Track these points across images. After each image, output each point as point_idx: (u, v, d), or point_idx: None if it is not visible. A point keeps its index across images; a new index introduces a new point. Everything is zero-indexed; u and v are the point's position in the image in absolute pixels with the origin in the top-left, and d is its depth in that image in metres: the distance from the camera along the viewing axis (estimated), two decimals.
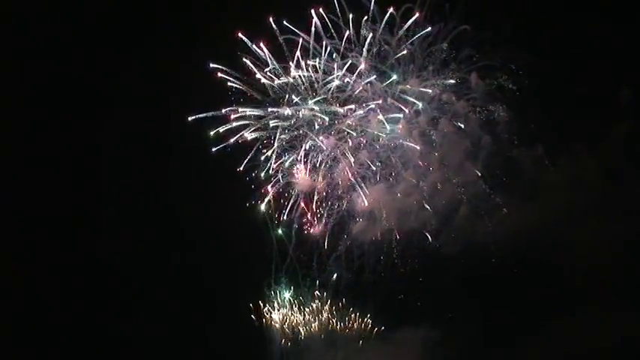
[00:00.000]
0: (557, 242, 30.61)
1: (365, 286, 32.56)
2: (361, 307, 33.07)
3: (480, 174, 31.28)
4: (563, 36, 30.12)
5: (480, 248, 31.61)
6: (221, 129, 31.26)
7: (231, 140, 31.33)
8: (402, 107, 30.66)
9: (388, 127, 30.75)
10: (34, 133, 33.31)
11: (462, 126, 31.06)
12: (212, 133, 31.24)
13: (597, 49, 30.23)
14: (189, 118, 31.14)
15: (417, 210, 31.62)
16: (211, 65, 30.80)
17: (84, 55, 33.34)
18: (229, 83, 30.95)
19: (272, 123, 31.32)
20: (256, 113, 31.23)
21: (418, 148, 30.78)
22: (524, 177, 31.39)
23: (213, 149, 31.44)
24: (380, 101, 30.55)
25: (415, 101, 30.65)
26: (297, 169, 31.47)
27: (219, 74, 30.88)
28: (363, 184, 31.25)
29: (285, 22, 30.07)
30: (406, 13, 29.55)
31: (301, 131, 31.28)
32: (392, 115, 30.81)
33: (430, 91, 30.52)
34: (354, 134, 31.03)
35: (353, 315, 33.09)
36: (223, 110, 31.08)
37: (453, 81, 30.69)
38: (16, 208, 33.04)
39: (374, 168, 31.22)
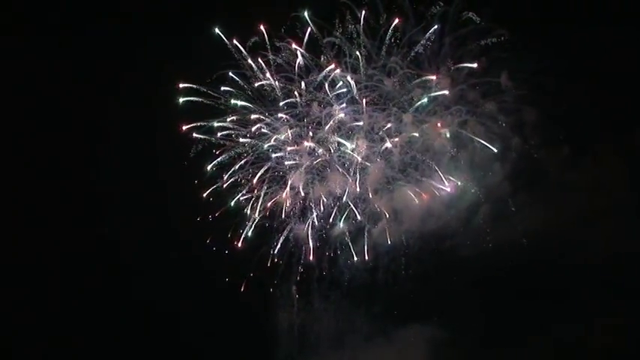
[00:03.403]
0: (575, 243, 30.91)
1: (377, 285, 32.50)
2: (370, 307, 32.95)
3: (504, 176, 31.43)
4: (588, 37, 30.05)
5: (496, 250, 31.69)
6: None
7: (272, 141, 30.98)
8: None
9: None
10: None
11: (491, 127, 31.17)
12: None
13: (623, 50, 30.32)
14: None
15: (440, 212, 31.63)
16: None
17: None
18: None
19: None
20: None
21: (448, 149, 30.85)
22: (549, 178, 31.57)
23: None
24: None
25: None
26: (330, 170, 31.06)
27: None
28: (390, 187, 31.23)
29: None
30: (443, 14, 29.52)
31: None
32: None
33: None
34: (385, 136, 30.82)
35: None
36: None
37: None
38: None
39: (402, 171, 31.19)
